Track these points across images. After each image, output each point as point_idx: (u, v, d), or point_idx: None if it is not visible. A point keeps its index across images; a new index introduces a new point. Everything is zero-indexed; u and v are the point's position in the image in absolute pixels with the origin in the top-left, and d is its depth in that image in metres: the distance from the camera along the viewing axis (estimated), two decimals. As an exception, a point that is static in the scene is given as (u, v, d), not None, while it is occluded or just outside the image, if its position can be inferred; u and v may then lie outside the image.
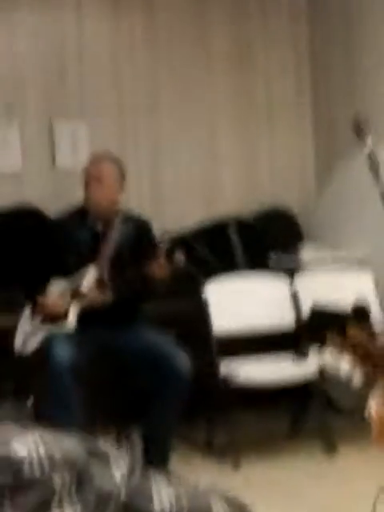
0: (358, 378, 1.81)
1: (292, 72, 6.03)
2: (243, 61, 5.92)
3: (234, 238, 5.58)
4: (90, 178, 4.43)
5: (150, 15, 5.73)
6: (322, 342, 1.72)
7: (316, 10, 5.95)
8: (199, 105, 5.85)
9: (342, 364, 1.78)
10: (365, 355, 1.79)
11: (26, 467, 0.79)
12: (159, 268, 4.22)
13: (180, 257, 4.26)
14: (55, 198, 5.35)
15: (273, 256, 5.53)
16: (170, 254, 4.39)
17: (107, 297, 4.34)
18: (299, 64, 6.03)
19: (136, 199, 5.60)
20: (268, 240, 5.66)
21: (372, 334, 1.77)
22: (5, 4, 5.43)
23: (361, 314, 1.81)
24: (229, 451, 4.60)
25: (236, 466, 4.51)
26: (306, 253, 5.44)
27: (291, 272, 5.14)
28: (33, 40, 5.51)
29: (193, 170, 5.84)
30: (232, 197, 5.89)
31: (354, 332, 1.75)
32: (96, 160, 4.52)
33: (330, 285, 4.98)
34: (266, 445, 4.84)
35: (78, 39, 5.61)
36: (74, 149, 5.55)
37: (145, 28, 5.73)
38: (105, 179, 4.40)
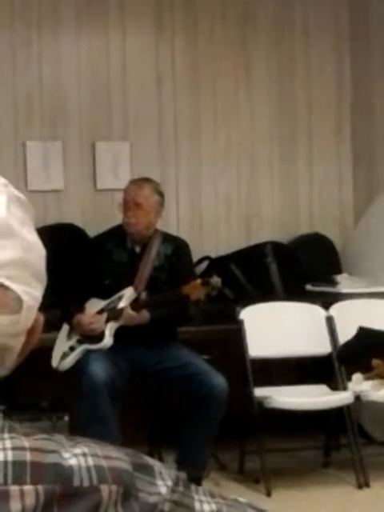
0: None
1: (334, 103, 6.03)
2: (285, 89, 5.94)
3: (271, 263, 5.57)
4: (129, 202, 4.46)
5: (193, 39, 5.77)
6: (364, 365, 1.70)
7: (359, 42, 5.95)
8: (240, 130, 5.87)
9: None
10: None
11: (75, 476, 0.80)
12: (195, 290, 4.23)
13: (216, 280, 4.27)
14: (95, 218, 5.39)
15: (310, 285, 5.52)
16: (206, 276, 4.40)
17: (143, 317, 4.36)
18: (341, 95, 6.03)
19: (175, 223, 5.63)
20: (305, 266, 5.65)
21: None
22: (50, 28, 5.51)
23: None
24: (260, 477, 4.58)
25: (267, 492, 4.48)
26: (344, 284, 5.41)
27: (328, 301, 5.12)
28: (77, 62, 5.58)
29: (232, 196, 5.86)
30: (270, 224, 5.89)
31: None
32: (135, 185, 4.54)
33: (367, 314, 4.95)
34: (297, 473, 4.80)
35: (121, 63, 5.66)
36: (116, 170, 5.59)
37: (187, 52, 5.77)
38: (143, 205, 4.42)
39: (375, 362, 1.67)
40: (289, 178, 5.96)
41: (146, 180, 4.57)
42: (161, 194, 4.51)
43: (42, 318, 0.89)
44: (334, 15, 6.00)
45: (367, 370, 1.68)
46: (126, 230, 4.48)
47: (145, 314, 4.35)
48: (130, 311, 4.33)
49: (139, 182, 4.56)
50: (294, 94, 5.96)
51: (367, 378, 1.68)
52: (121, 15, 5.64)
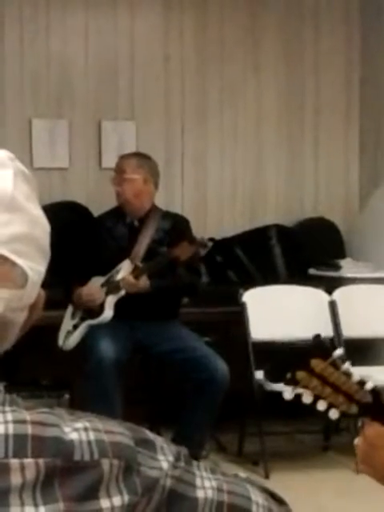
0: (333, 413, 1.72)
1: (342, 85, 6.00)
2: (293, 71, 5.91)
3: (275, 246, 5.56)
4: (116, 172, 4.55)
5: (202, 19, 5.74)
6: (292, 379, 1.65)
7: (369, 26, 5.91)
8: (247, 112, 5.85)
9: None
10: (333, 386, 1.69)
11: (75, 450, 0.80)
12: (183, 250, 4.26)
13: (203, 238, 4.35)
14: (100, 196, 5.38)
15: (314, 269, 5.51)
16: (193, 237, 4.45)
17: (144, 284, 4.35)
18: (349, 78, 6.00)
19: (179, 203, 5.62)
20: (309, 250, 5.64)
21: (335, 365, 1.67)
22: (58, 4, 5.48)
23: (321, 348, 1.72)
24: (259, 460, 4.59)
25: (266, 475, 4.49)
26: (347, 268, 5.40)
27: (331, 285, 5.11)
28: (84, 40, 5.56)
29: (238, 178, 5.84)
30: (275, 207, 5.88)
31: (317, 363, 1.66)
32: (125, 157, 4.62)
33: (370, 300, 4.95)
34: (297, 457, 4.82)
35: (130, 41, 5.64)
36: (121, 150, 5.57)
37: (196, 32, 5.74)
38: (127, 173, 4.47)
39: (299, 374, 1.61)
40: (295, 161, 5.94)
41: (139, 154, 4.66)
42: (152, 169, 4.53)
43: (43, 293, 0.89)
44: (345, -2, 5.97)
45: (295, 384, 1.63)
46: (119, 203, 4.53)
47: (145, 281, 4.35)
48: (129, 278, 4.34)
49: (130, 154, 4.66)
50: (302, 77, 5.93)
51: (296, 392, 1.62)
52: (129, -7, 5.61)
